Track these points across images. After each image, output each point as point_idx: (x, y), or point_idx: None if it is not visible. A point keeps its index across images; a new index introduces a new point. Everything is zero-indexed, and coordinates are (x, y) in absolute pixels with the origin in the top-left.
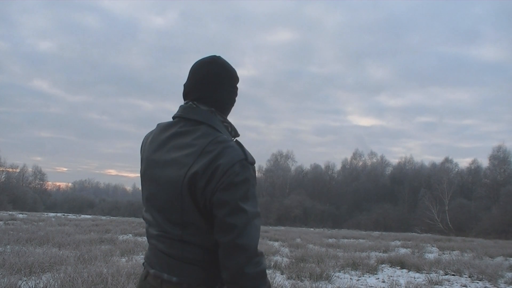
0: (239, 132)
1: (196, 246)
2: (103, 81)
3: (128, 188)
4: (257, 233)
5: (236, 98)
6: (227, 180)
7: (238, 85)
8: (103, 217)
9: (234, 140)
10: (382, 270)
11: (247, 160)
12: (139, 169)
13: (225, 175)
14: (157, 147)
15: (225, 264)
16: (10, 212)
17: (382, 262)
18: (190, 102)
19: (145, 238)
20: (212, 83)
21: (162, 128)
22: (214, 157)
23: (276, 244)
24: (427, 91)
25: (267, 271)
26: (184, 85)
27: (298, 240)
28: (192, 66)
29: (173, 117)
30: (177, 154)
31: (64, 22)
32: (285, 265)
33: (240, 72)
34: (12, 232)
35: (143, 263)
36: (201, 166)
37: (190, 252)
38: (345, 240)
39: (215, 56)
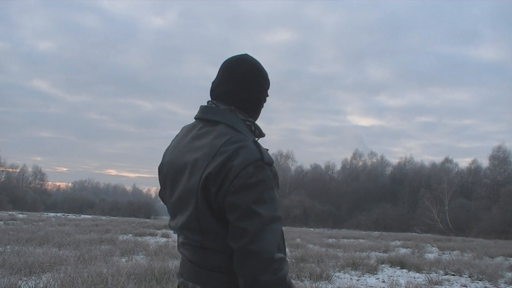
0: (264, 132)
1: (218, 252)
2: (103, 81)
3: (128, 188)
4: (274, 238)
5: (264, 103)
6: (239, 182)
7: (268, 90)
8: (103, 217)
9: (257, 139)
10: (382, 270)
11: (263, 161)
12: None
13: (237, 177)
14: (179, 151)
15: (240, 272)
16: (10, 212)
17: (382, 262)
18: (210, 102)
19: (145, 238)
20: (238, 80)
21: (186, 131)
22: (228, 158)
23: None
24: (427, 91)
25: (289, 277)
26: (212, 82)
27: (298, 240)
28: (222, 63)
29: (194, 118)
30: (194, 157)
31: (64, 22)
32: None
33: None
34: (12, 232)
35: (176, 274)
36: (214, 168)
37: (212, 259)
38: (345, 240)
39: (246, 54)
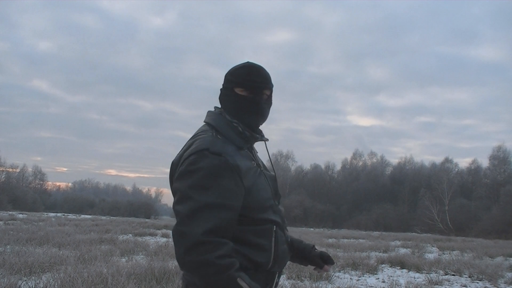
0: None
1: None
2: (103, 81)
3: (128, 188)
4: (207, 223)
5: (255, 105)
6: (181, 169)
7: (240, 90)
8: (103, 217)
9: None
10: (382, 270)
11: (209, 150)
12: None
13: (182, 165)
14: None
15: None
16: (10, 212)
17: (382, 262)
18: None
19: (145, 238)
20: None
21: None
22: (185, 150)
23: None
24: (427, 91)
25: (225, 261)
26: None
27: None
28: None
29: None
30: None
31: (64, 22)
32: None
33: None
34: (12, 232)
35: None
36: (176, 159)
37: None
38: (345, 240)
39: (246, 62)
